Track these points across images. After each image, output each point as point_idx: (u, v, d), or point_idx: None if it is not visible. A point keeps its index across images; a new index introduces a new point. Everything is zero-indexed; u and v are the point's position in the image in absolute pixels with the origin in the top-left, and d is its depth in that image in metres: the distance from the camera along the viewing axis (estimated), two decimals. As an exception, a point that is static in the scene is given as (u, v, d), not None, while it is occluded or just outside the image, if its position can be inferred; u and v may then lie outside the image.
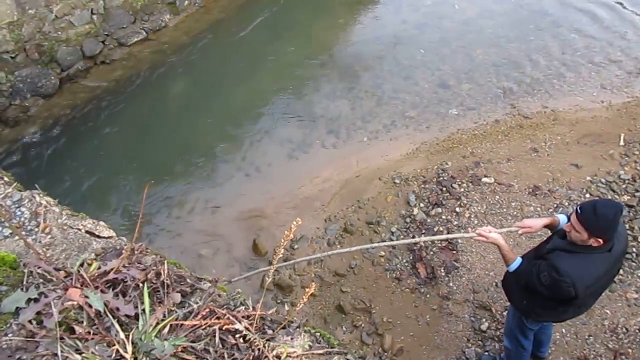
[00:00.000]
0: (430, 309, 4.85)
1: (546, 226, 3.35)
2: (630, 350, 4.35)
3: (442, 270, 5.09)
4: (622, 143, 6.20)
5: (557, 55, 7.94)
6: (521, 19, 8.76)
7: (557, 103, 7.11)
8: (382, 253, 5.32)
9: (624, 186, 5.61)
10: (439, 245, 5.29)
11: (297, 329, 1.41)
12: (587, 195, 5.54)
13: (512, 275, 3.32)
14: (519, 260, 3.26)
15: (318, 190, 6.21)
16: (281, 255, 1.48)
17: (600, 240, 2.87)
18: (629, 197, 5.49)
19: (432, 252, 5.23)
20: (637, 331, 4.47)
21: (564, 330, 4.51)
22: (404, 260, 5.24)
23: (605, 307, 4.64)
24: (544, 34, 8.38)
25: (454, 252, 5.23)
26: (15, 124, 6.88)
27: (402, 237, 5.41)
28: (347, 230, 5.60)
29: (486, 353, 4.46)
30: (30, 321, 1.45)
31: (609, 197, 5.45)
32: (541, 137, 6.46)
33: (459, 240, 5.30)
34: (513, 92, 7.36)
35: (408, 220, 5.58)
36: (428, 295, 4.95)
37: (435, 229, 5.42)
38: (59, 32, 7.33)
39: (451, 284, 4.99)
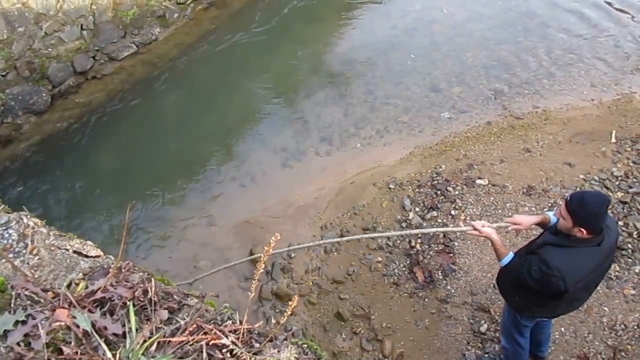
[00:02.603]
0: (429, 313, 4.85)
1: (537, 224, 3.39)
2: (629, 347, 4.36)
3: (440, 274, 5.10)
4: (613, 140, 6.22)
5: (547, 55, 7.98)
6: (510, 20, 8.81)
7: (548, 103, 7.14)
8: (379, 259, 5.32)
9: (617, 183, 5.63)
10: (436, 248, 5.30)
11: (284, 341, 1.42)
12: (581, 194, 5.55)
13: (504, 270, 3.36)
14: (510, 255, 3.31)
15: (313, 198, 6.21)
16: (262, 270, 1.48)
17: (584, 230, 2.91)
18: (622, 194, 5.50)
19: (429, 256, 5.24)
20: (635, 327, 4.47)
21: (563, 329, 4.51)
22: (401, 265, 5.24)
23: (603, 304, 4.65)
24: (532, 35, 8.42)
25: (451, 254, 5.24)
26: (7, 142, 6.88)
27: (398, 241, 5.42)
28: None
29: (486, 355, 4.46)
30: (18, 343, 1.45)
31: (603, 194, 5.46)
32: (533, 137, 6.48)
33: (456, 243, 5.31)
34: (504, 94, 7.39)
35: (404, 225, 5.59)
36: (426, 299, 4.95)
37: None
38: (50, 49, 7.35)
39: (449, 287, 4.99)
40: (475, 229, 3.32)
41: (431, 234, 5.39)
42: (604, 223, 2.98)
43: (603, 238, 3.02)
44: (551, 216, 3.31)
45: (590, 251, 3.02)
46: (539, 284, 3.05)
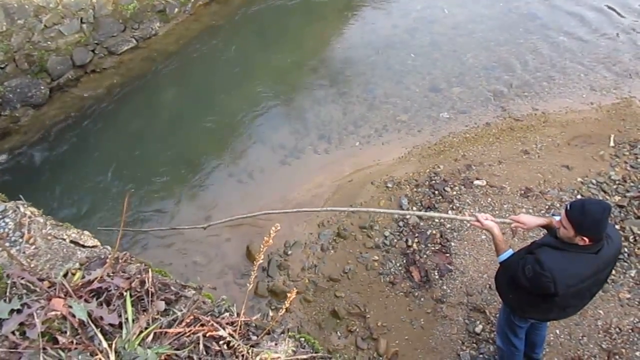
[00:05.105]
0: (424, 313, 4.85)
1: (542, 227, 3.39)
2: (623, 350, 4.36)
3: (436, 274, 5.09)
4: (612, 144, 6.24)
5: (547, 57, 8.00)
6: (510, 22, 8.83)
7: (547, 105, 7.16)
8: (376, 257, 5.32)
9: (614, 187, 5.64)
10: (433, 248, 5.30)
11: (282, 335, 1.41)
12: (579, 197, 5.56)
13: (501, 266, 3.38)
14: (510, 251, 3.32)
15: (311, 195, 6.20)
16: (261, 261, 1.47)
17: (586, 239, 2.90)
18: (619, 198, 5.51)
19: (425, 256, 5.23)
20: (630, 331, 4.48)
21: (557, 332, 4.51)
22: (398, 264, 5.23)
23: (598, 307, 4.65)
24: (533, 37, 8.43)
25: (448, 255, 5.23)
26: (5, 134, 6.85)
27: (395, 240, 5.42)
28: (341, 235, 5.59)
29: (480, 355, 4.46)
30: (13, 332, 1.44)
31: (600, 198, 5.47)
32: (532, 139, 6.49)
33: (452, 244, 5.31)
34: (503, 95, 7.40)
35: (401, 224, 5.58)
36: (422, 299, 4.94)
37: (429, 232, 5.43)
38: (49, 42, 7.32)
39: (445, 287, 4.99)
40: (478, 220, 3.36)
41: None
42: (605, 231, 2.98)
43: (602, 246, 3.01)
44: (556, 220, 3.31)
45: (587, 258, 3.01)
46: (530, 282, 3.06)
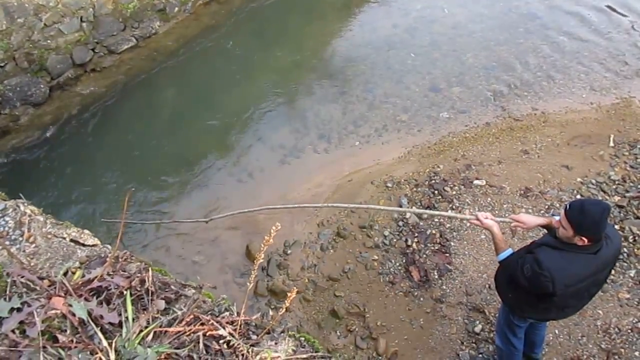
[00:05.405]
0: (423, 312, 4.85)
1: (543, 226, 3.40)
2: (622, 350, 4.36)
3: (435, 273, 5.09)
4: (611, 144, 6.24)
5: (547, 57, 8.01)
6: (510, 22, 8.84)
7: (547, 105, 7.16)
8: (375, 257, 5.32)
9: (614, 187, 5.64)
10: (432, 248, 5.30)
11: (282, 334, 1.41)
12: (578, 197, 5.57)
13: (501, 265, 3.39)
14: (509, 250, 3.33)
15: (311, 195, 6.20)
16: (261, 261, 1.47)
17: (585, 239, 2.90)
18: (619, 198, 5.51)
19: (425, 255, 5.24)
20: (629, 331, 4.48)
21: (557, 331, 4.52)
22: (397, 264, 5.23)
23: (597, 307, 4.65)
24: (533, 37, 8.44)
25: (447, 254, 5.24)
26: (4, 133, 6.85)
27: (394, 240, 5.42)
28: (340, 235, 5.59)
29: (480, 355, 4.46)
30: (13, 331, 1.44)
31: (600, 198, 5.47)
32: (532, 139, 6.49)
33: (452, 243, 5.31)
34: (503, 95, 7.40)
35: (401, 224, 5.58)
36: (421, 299, 4.95)
37: (428, 232, 5.43)
38: (49, 41, 7.32)
39: (444, 287, 4.99)
40: (478, 219, 3.35)
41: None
42: (604, 231, 2.98)
43: (601, 247, 3.01)
44: (555, 220, 3.31)
45: (585, 258, 3.01)
46: (529, 282, 3.07)
